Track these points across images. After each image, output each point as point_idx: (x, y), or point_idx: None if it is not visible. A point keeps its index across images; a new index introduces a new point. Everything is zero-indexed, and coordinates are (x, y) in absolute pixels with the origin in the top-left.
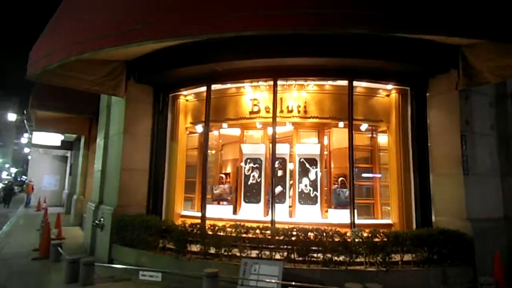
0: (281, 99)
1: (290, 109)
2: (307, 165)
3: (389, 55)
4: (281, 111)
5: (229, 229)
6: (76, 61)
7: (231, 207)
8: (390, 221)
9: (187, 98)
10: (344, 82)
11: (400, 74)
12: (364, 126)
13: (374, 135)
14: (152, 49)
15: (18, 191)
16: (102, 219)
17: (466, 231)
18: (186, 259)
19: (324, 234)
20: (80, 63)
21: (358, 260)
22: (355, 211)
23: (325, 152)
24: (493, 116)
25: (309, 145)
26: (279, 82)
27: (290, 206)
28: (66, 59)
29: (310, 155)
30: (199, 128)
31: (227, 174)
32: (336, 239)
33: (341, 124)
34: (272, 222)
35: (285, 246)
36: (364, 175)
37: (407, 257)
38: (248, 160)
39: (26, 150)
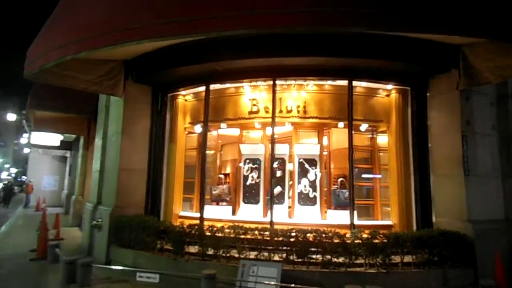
0: (280, 99)
1: (289, 109)
2: (307, 166)
3: (389, 54)
4: (280, 111)
5: (227, 230)
6: (73, 60)
7: (230, 208)
8: (390, 222)
9: (186, 98)
10: (344, 82)
11: (400, 74)
12: (364, 126)
13: (374, 136)
14: (150, 49)
15: (18, 191)
16: (100, 220)
17: (466, 232)
18: (184, 260)
19: (324, 235)
20: (77, 62)
21: (357, 261)
22: (355, 212)
23: (325, 153)
24: (494, 116)
25: (308, 146)
26: (278, 82)
27: (289, 207)
28: (63, 58)
29: (309, 155)
30: (198, 128)
31: (226, 175)
32: (336, 240)
33: (340, 124)
34: (271, 223)
35: (284, 247)
36: (364, 175)
37: (407, 259)
38: (247, 161)
39: (26, 150)
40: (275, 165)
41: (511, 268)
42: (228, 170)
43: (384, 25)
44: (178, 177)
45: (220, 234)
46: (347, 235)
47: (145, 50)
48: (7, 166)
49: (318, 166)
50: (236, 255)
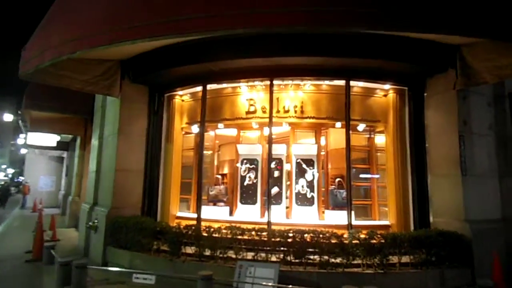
0: (277, 99)
1: (286, 109)
2: (304, 166)
3: (386, 54)
4: (278, 111)
5: (224, 231)
6: (69, 60)
7: (227, 209)
8: (388, 222)
9: (183, 98)
10: (341, 82)
11: (397, 74)
12: (361, 127)
13: (372, 136)
14: (147, 48)
15: (15, 192)
16: (96, 221)
17: (464, 232)
18: (180, 261)
19: (321, 235)
20: (73, 62)
21: (355, 262)
22: (352, 212)
23: (322, 153)
24: (491, 116)
25: (306, 146)
26: (276, 82)
27: (287, 207)
28: (58, 58)
29: (307, 155)
30: (195, 128)
31: (224, 175)
32: (333, 241)
33: (338, 124)
34: (269, 223)
35: (282, 248)
36: (361, 175)
37: (405, 259)
38: (245, 161)
39: (23, 151)
40: (273, 165)
41: (509, 268)
42: (225, 170)
43: (384, 25)
44: (175, 177)
45: (217, 235)
46: (345, 236)
47: (141, 50)
48: (4, 167)
49: (315, 166)
50: (233, 256)
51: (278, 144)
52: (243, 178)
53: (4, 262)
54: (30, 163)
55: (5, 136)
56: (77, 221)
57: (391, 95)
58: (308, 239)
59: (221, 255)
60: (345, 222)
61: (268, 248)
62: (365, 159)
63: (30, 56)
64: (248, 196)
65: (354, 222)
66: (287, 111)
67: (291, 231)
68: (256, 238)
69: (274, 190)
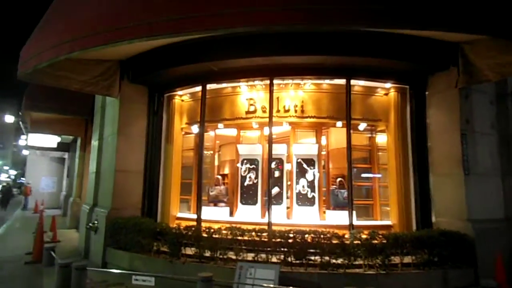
0: (277, 98)
1: (286, 108)
2: (305, 166)
3: (387, 52)
4: (278, 111)
5: (224, 232)
6: (68, 60)
7: (227, 209)
8: (390, 222)
9: (183, 98)
10: (342, 81)
11: (398, 72)
12: (362, 126)
13: (373, 135)
14: (145, 48)
15: (17, 193)
16: (96, 222)
17: (467, 232)
18: (180, 262)
19: (322, 236)
20: (72, 62)
21: (356, 262)
22: (354, 212)
23: (323, 152)
24: (493, 114)
25: (306, 145)
26: (276, 81)
27: (287, 208)
28: (55, 58)
29: (307, 155)
30: (195, 128)
31: (225, 175)
32: (334, 241)
33: (339, 123)
34: (269, 224)
35: (282, 249)
36: (363, 175)
37: (407, 259)
38: (245, 161)
39: (25, 152)
40: (273, 165)
41: None
42: (226, 170)
43: (384, 22)
44: (175, 178)
45: (217, 236)
46: (346, 236)
47: (140, 50)
48: (6, 168)
49: (316, 166)
50: (234, 257)
51: (278, 144)
52: (243, 178)
53: (4, 264)
54: (32, 164)
55: (7, 138)
56: (78, 222)
57: (392, 93)
58: (309, 240)
59: (221, 256)
60: (347, 222)
61: (268, 249)
62: (367, 159)
63: (28, 56)
64: (249, 196)
65: (356, 222)
66: (288, 111)
67: (291, 232)
68: (257, 238)
69: (275, 190)
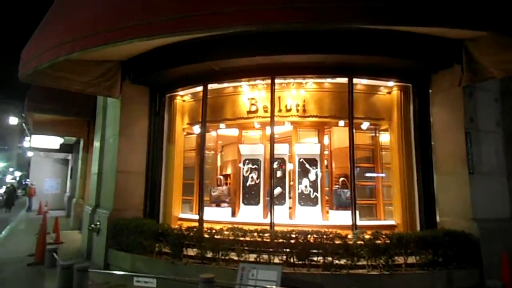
0: (279, 98)
1: (288, 108)
2: (307, 166)
3: (389, 50)
4: (280, 110)
5: (226, 232)
6: (68, 61)
7: (229, 210)
8: (393, 222)
9: (184, 98)
10: (344, 80)
11: (401, 70)
12: (365, 125)
13: (376, 134)
14: (146, 48)
15: (22, 194)
16: (98, 223)
17: (472, 231)
18: (182, 263)
19: (325, 236)
20: (72, 63)
21: (360, 263)
22: (357, 212)
23: (326, 152)
24: (498, 112)
25: (308, 145)
26: (277, 81)
27: (290, 208)
28: (55, 59)
29: (310, 155)
30: (196, 129)
31: (227, 176)
32: (337, 242)
33: (341, 122)
34: (271, 224)
35: (284, 250)
36: (366, 175)
37: (411, 260)
38: (247, 161)
39: (30, 154)
40: (275, 165)
41: None
42: (229, 171)
43: (385, 20)
44: (177, 178)
45: (219, 237)
46: (349, 236)
47: (141, 50)
48: (11, 169)
49: (318, 166)
50: (236, 258)
51: (280, 143)
52: (245, 178)
53: (6, 265)
54: (36, 166)
55: (12, 139)
56: (81, 223)
57: (395, 92)
58: (311, 240)
59: (223, 257)
60: (350, 222)
61: (270, 250)
62: (370, 158)
63: (29, 58)
64: (251, 196)
65: (359, 222)
66: (289, 110)
67: (294, 232)
68: (259, 239)
69: (277, 190)
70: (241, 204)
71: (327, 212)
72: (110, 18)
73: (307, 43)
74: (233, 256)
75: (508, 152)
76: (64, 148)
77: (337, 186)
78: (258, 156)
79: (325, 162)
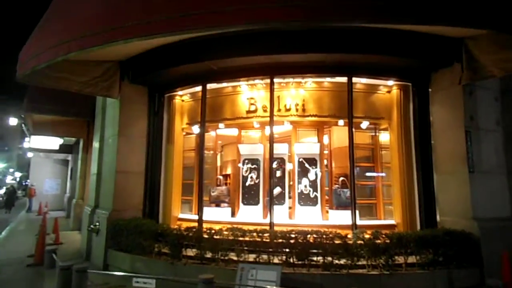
0: (278, 97)
1: (287, 107)
2: (307, 165)
3: (389, 49)
4: (279, 110)
5: (225, 233)
6: (67, 62)
7: (229, 210)
8: (393, 222)
9: (183, 98)
10: (343, 79)
11: (401, 69)
12: (364, 124)
13: (376, 133)
14: (145, 48)
15: (22, 195)
16: (97, 224)
17: (472, 231)
18: (181, 264)
19: (324, 236)
20: (71, 64)
21: (360, 263)
22: (357, 211)
23: (325, 152)
24: (498, 111)
25: (308, 145)
26: (276, 80)
27: (289, 208)
28: (53, 60)
29: (309, 154)
30: (196, 129)
31: (227, 176)
32: (337, 242)
33: (341, 122)
34: (271, 224)
35: (284, 250)
36: (366, 174)
37: (411, 259)
38: (246, 161)
39: (30, 154)
40: (275, 165)
41: None
42: (229, 171)
43: (386, 17)
44: (176, 178)
45: (218, 237)
46: (349, 236)
47: (139, 50)
48: (11, 170)
49: (318, 166)
50: (235, 258)
51: (280, 143)
52: (245, 178)
53: (6, 267)
54: (35, 167)
55: (13, 140)
56: (81, 224)
57: (395, 91)
58: (311, 240)
59: (222, 258)
60: (350, 222)
61: (270, 250)
62: (369, 157)
63: (27, 58)
64: (250, 196)
65: (359, 221)
66: (289, 110)
67: (293, 232)
68: (258, 239)
69: (277, 190)
70: (241, 204)
71: (327, 211)
72: (108, 18)
73: (306, 42)
74: (233, 256)
75: (508, 151)
76: (64, 148)
77: (337, 185)
78: (258, 156)
79: (325, 162)
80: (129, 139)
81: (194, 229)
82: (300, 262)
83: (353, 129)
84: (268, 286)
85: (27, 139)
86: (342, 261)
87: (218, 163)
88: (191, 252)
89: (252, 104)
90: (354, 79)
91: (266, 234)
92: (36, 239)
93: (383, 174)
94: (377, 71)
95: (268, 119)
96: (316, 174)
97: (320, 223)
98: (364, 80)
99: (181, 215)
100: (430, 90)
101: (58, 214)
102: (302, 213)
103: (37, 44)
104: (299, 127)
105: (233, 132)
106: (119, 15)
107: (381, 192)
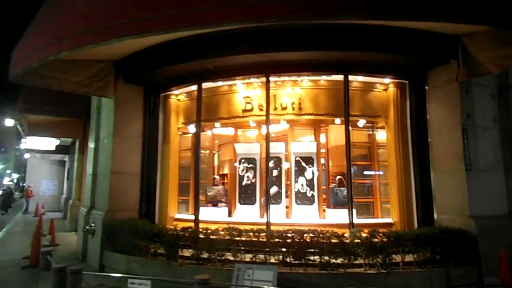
0: (274, 96)
1: (284, 106)
2: (303, 164)
3: (385, 46)
4: (275, 109)
5: (222, 232)
6: (60, 61)
7: (226, 209)
8: (391, 220)
9: (179, 97)
10: (340, 77)
11: (397, 67)
12: (361, 122)
13: (372, 131)
14: (140, 47)
15: (19, 197)
16: (93, 225)
17: (469, 229)
18: (177, 264)
19: (321, 235)
20: (64, 63)
21: (357, 262)
22: (354, 210)
23: (322, 150)
24: (495, 108)
25: (305, 143)
26: (272, 79)
27: (286, 207)
28: (44, 59)
29: (306, 153)
30: (192, 128)
31: (224, 175)
32: (334, 241)
33: (337, 120)
34: (268, 224)
35: (281, 249)
36: (363, 172)
37: (409, 258)
38: (242, 160)
39: (27, 155)
40: (271, 164)
41: None
42: (226, 170)
43: (381, 14)
44: (172, 178)
45: (214, 237)
46: (346, 235)
47: (134, 49)
48: (8, 171)
49: (315, 164)
50: (231, 258)
51: (276, 142)
52: (241, 178)
53: (1, 268)
54: (32, 168)
55: (9, 141)
56: (77, 225)
57: (392, 89)
58: (307, 239)
59: (218, 258)
60: (347, 221)
61: (266, 250)
62: (366, 156)
63: (20, 57)
64: (247, 196)
65: (356, 220)
66: (285, 108)
67: (290, 232)
68: (254, 239)
69: (273, 189)
70: (238, 203)
71: (324, 210)
72: (100, 16)
73: (302, 40)
74: (229, 256)
75: (505, 148)
76: (60, 149)
77: (334, 184)
78: (254, 155)
79: (322, 161)
80: (124, 139)
81: (190, 229)
82: (297, 262)
83: (350, 128)
84: (264, 286)
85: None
86: (339, 260)
87: (216, 163)
88: (187, 252)
89: (248, 103)
90: (351, 77)
91: (262, 234)
92: (32, 240)
93: (380, 173)
94: (373, 69)
95: (264, 118)
96: (313, 173)
97: (317, 222)
98: (361, 78)
99: (178, 215)
100: (426, 87)
101: (55, 215)
102: (299, 212)
103: (30, 43)
104: (296, 126)
105: (230, 131)
106: (112, 14)
107: (378, 191)
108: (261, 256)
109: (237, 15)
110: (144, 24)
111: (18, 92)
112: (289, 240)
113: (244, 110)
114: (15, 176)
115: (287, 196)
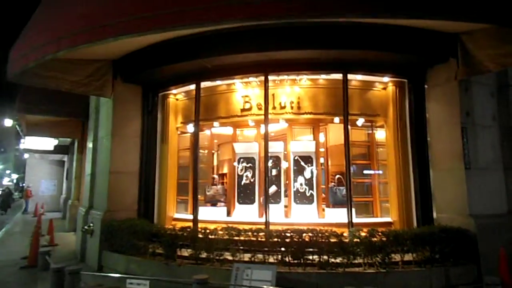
0: (273, 95)
1: (282, 105)
2: (302, 163)
3: (384, 45)
4: (274, 108)
5: (220, 232)
6: (57, 60)
7: (225, 209)
8: (390, 219)
9: (177, 97)
10: (338, 76)
11: (396, 65)
12: (360, 121)
13: (372, 130)
14: (139, 45)
15: (19, 197)
16: (91, 225)
17: (469, 227)
18: (176, 264)
19: (320, 235)
20: (62, 63)
21: (356, 261)
22: (353, 209)
23: (321, 149)
24: (494, 107)
25: (304, 142)
26: (271, 77)
27: (285, 206)
28: (41, 59)
29: (305, 152)
30: (190, 127)
31: (224, 175)
32: (333, 240)
33: (336, 119)
34: (267, 223)
35: (279, 249)
36: (362, 172)
37: (408, 257)
38: (241, 160)
39: (26, 155)
40: (270, 163)
41: None
42: (225, 170)
43: (381, 11)
44: (171, 178)
45: (213, 237)
46: (345, 234)
47: (132, 48)
48: (8, 172)
49: (314, 164)
50: (230, 258)
51: (275, 141)
52: (240, 177)
53: None
54: (31, 168)
55: (9, 142)
56: (76, 225)
57: (391, 88)
58: (306, 239)
59: (217, 257)
60: (346, 220)
61: (265, 249)
62: (366, 155)
63: (17, 57)
64: (246, 195)
65: (355, 219)
66: (284, 107)
67: (289, 231)
68: (253, 239)
69: (272, 189)
70: (236, 203)
71: (323, 210)
72: (98, 15)
73: (301, 39)
74: (228, 256)
75: (505, 146)
76: (59, 149)
77: (333, 183)
78: (253, 155)
79: (321, 160)
80: (123, 138)
81: (188, 229)
82: (295, 261)
83: (349, 127)
84: (263, 286)
85: (23, 140)
86: (338, 260)
87: (215, 162)
88: (186, 252)
89: (246, 102)
90: (350, 76)
91: (261, 233)
92: (31, 240)
93: (379, 172)
94: (372, 68)
95: (263, 117)
96: (312, 172)
97: (316, 222)
98: (360, 77)
99: (176, 215)
100: (426, 86)
101: (54, 215)
102: (298, 211)
103: (27, 42)
104: (295, 125)
105: (229, 130)
106: (110, 13)
107: (377, 190)
108: (260, 256)
109: (236, 14)
110: (143, 22)
111: (16, 92)
112: (288, 240)
113: (243, 109)
114: (15, 176)
115: (286, 196)
